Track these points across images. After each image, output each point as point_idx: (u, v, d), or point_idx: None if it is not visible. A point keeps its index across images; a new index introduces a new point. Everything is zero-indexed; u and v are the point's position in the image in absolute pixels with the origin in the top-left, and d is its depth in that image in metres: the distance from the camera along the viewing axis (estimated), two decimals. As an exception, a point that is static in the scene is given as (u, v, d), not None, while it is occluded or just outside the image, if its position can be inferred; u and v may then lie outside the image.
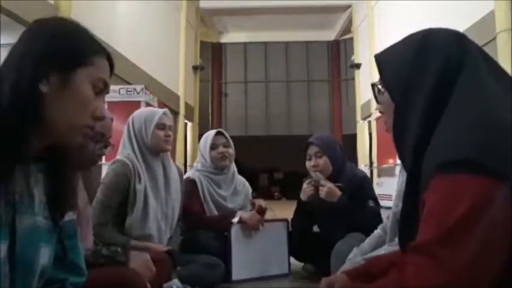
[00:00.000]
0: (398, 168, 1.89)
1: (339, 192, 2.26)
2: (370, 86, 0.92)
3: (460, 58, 0.76)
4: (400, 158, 0.84)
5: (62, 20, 0.84)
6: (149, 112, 2.10)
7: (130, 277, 1.19)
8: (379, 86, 0.88)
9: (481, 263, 0.60)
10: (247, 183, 2.69)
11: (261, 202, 2.57)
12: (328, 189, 2.25)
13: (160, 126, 2.04)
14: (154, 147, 2.02)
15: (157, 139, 2.01)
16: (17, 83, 0.72)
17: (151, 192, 1.98)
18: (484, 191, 0.62)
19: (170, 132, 2.08)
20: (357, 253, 1.87)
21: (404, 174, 1.69)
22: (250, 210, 2.52)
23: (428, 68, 0.77)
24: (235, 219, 2.36)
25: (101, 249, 1.32)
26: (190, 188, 2.39)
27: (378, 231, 1.93)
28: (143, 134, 2.01)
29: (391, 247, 1.59)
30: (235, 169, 2.61)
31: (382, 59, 0.86)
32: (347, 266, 1.73)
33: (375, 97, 0.91)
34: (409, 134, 0.77)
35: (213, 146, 2.49)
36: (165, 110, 2.16)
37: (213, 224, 2.38)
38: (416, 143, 0.75)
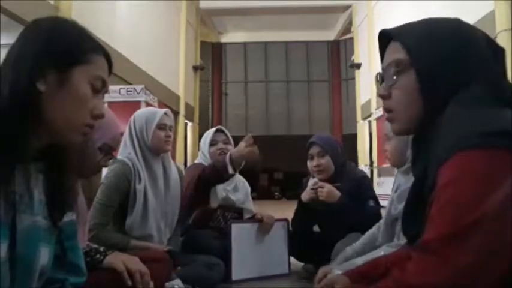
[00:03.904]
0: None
1: (338, 193, 2.26)
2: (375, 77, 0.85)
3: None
4: (414, 153, 0.82)
5: (59, 19, 0.84)
6: (150, 112, 2.10)
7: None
8: (401, 66, 0.77)
9: (486, 265, 0.59)
10: (246, 183, 2.69)
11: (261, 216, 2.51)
12: (328, 190, 2.26)
13: (161, 126, 2.04)
14: (155, 148, 2.02)
15: (157, 139, 2.01)
16: (15, 83, 0.72)
17: (151, 192, 1.98)
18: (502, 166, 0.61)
19: (171, 133, 2.07)
20: (348, 250, 1.89)
21: (403, 176, 1.70)
22: (253, 217, 2.52)
23: (471, 61, 0.73)
24: (229, 169, 2.24)
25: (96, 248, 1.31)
26: (198, 167, 2.37)
27: (372, 230, 1.94)
28: (144, 134, 2.01)
29: (389, 248, 1.59)
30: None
31: (410, 37, 0.77)
32: (339, 264, 1.75)
33: (393, 77, 0.79)
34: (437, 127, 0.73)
35: (213, 143, 2.50)
36: (167, 110, 2.15)
37: (212, 174, 2.28)
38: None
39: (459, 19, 0.80)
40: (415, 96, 0.75)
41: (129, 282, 1.20)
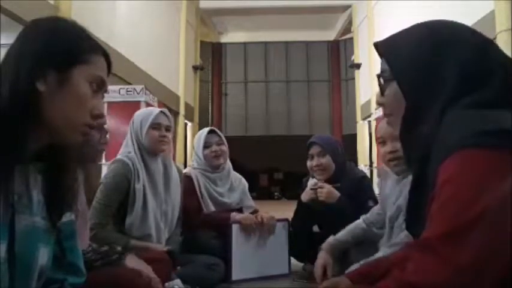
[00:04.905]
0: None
1: (337, 193, 2.26)
2: (375, 78, 0.88)
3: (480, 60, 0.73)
4: (405, 153, 0.82)
5: (58, 19, 0.84)
6: (146, 112, 2.10)
7: (129, 277, 1.19)
8: (385, 77, 0.84)
9: (486, 263, 0.59)
10: (243, 179, 2.69)
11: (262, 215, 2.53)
12: (327, 191, 2.26)
13: (155, 126, 2.02)
14: (149, 148, 2.01)
15: (151, 139, 2.00)
16: (15, 83, 0.72)
17: (150, 192, 1.98)
18: (499, 165, 0.60)
19: (166, 133, 2.04)
20: (337, 239, 1.96)
21: (392, 178, 1.69)
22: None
23: (448, 63, 0.74)
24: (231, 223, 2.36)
25: (98, 247, 1.32)
26: (186, 184, 2.40)
27: (362, 226, 1.98)
28: (139, 134, 2.01)
29: (387, 248, 1.59)
30: (231, 166, 2.62)
31: (388, 48, 0.82)
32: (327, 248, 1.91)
33: (381, 89, 0.85)
34: (422, 130, 0.75)
35: (206, 145, 2.50)
36: (164, 109, 2.14)
37: (210, 224, 2.38)
38: (429, 139, 0.73)
39: (442, 23, 0.81)
40: (401, 101, 0.79)
41: (153, 275, 1.24)
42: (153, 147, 2.01)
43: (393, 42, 0.83)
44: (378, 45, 0.86)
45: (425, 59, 0.76)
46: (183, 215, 2.26)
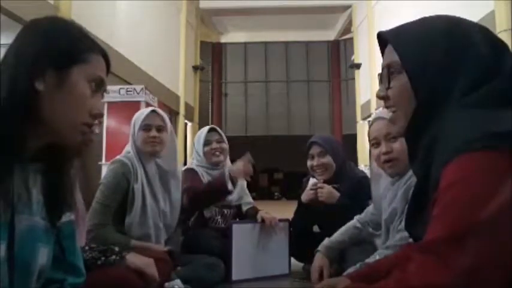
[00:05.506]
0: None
1: (337, 194, 2.27)
2: (375, 78, 0.85)
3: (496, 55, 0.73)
4: (409, 152, 0.80)
5: (57, 19, 0.84)
6: (139, 113, 2.08)
7: (129, 277, 1.19)
8: (394, 69, 0.79)
9: (487, 267, 0.59)
10: None
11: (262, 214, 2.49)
12: (327, 191, 2.26)
13: (145, 127, 1.98)
14: (142, 149, 1.99)
15: (140, 141, 1.98)
16: (14, 82, 0.72)
17: (148, 192, 1.97)
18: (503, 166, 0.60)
19: (158, 133, 1.98)
20: (333, 241, 1.93)
21: (387, 178, 1.68)
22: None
23: (462, 59, 0.73)
24: (229, 185, 2.29)
25: (96, 247, 1.31)
26: (191, 174, 2.43)
27: (357, 226, 1.97)
28: (134, 136, 2.01)
29: (384, 250, 1.58)
30: (230, 164, 2.62)
31: (399, 39, 0.79)
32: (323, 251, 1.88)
33: (388, 79, 0.80)
34: (429, 128, 0.73)
35: (207, 142, 2.51)
36: (154, 108, 2.10)
37: (212, 190, 2.35)
38: (434, 138, 0.71)
39: (456, 18, 0.80)
40: (409, 96, 0.76)
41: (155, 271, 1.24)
42: (144, 149, 1.99)
43: (404, 33, 0.79)
44: (383, 35, 0.83)
45: (440, 52, 0.74)
46: (187, 192, 2.23)
